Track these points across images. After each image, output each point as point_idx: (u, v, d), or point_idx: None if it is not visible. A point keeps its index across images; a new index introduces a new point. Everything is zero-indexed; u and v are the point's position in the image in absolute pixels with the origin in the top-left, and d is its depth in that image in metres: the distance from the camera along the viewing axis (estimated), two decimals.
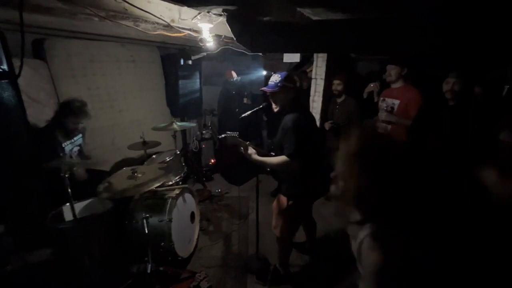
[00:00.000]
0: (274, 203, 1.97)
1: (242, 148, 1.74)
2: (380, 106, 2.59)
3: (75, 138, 2.17)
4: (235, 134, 1.71)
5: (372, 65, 3.73)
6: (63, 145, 2.05)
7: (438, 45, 1.77)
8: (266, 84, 1.79)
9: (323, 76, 3.08)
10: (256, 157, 1.73)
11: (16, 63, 0.90)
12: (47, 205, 1.79)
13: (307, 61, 3.71)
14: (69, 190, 1.49)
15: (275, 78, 1.73)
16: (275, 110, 1.79)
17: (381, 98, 2.60)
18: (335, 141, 2.92)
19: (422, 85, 2.42)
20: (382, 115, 2.55)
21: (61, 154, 1.93)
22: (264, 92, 1.77)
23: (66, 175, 1.47)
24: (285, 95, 1.73)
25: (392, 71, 2.43)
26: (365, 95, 3.01)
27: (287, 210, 1.82)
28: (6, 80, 0.84)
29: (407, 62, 2.42)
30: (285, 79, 1.71)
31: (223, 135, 1.74)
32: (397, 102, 2.45)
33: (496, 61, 2.12)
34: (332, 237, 2.68)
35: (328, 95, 3.12)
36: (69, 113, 2.02)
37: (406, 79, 2.44)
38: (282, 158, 1.67)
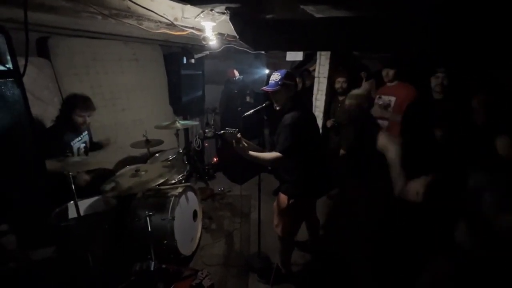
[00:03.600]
0: (275, 202, 1.97)
1: (234, 141, 1.69)
2: (376, 103, 2.62)
3: (82, 135, 2.18)
4: (235, 130, 1.71)
5: (374, 64, 3.71)
6: (71, 144, 2.05)
7: (439, 43, 1.76)
8: (268, 82, 1.79)
9: (326, 75, 3.07)
10: (249, 152, 1.70)
11: (21, 61, 0.90)
12: (51, 203, 1.80)
13: (310, 59, 3.69)
14: (73, 188, 1.51)
15: (275, 76, 1.73)
16: (277, 108, 1.79)
17: (377, 96, 2.63)
18: (336, 140, 2.92)
19: (415, 80, 2.46)
20: (377, 111, 2.59)
21: (68, 153, 1.94)
22: (265, 91, 1.77)
23: (70, 173, 1.48)
24: (285, 93, 1.73)
25: (390, 72, 2.50)
26: None
27: (288, 209, 1.83)
28: (12, 79, 0.84)
29: (407, 61, 2.44)
30: (285, 77, 1.71)
31: (222, 131, 1.75)
32: (393, 98, 2.50)
33: (499, 60, 2.11)
34: (334, 236, 2.68)
35: (331, 94, 3.11)
36: (75, 107, 2.02)
37: (401, 78, 2.50)
38: (274, 154, 1.67)
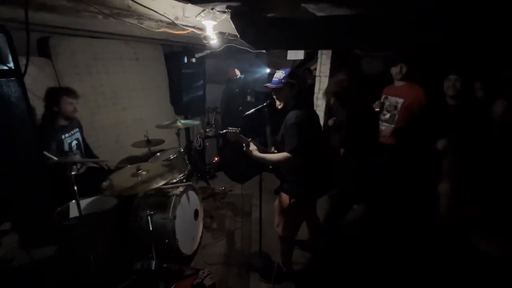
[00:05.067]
0: (276, 201, 1.97)
1: (244, 144, 1.74)
2: (379, 103, 2.57)
3: (73, 131, 2.17)
4: (237, 130, 1.72)
5: (376, 63, 3.69)
6: (63, 137, 2.05)
7: (441, 43, 1.75)
8: (269, 81, 1.78)
9: (328, 74, 3.06)
10: (257, 153, 1.73)
11: (22, 61, 0.90)
12: (53, 202, 1.81)
13: (311, 58, 3.68)
14: (75, 187, 1.51)
15: (279, 74, 1.72)
16: (279, 106, 1.78)
17: (383, 96, 2.57)
18: (337, 139, 2.91)
19: (426, 83, 2.41)
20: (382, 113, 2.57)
21: (66, 150, 1.94)
22: (268, 88, 1.76)
23: (73, 173, 1.48)
24: (288, 92, 1.72)
25: (404, 68, 2.38)
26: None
27: (289, 208, 1.82)
28: (13, 78, 0.84)
29: (410, 60, 2.40)
30: (289, 76, 1.70)
31: (224, 130, 1.75)
32: (400, 100, 2.42)
33: (500, 60, 2.09)
34: (335, 235, 2.68)
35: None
36: (61, 95, 2.00)
37: (409, 78, 2.40)
38: (283, 154, 1.66)
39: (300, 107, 1.72)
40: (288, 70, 1.73)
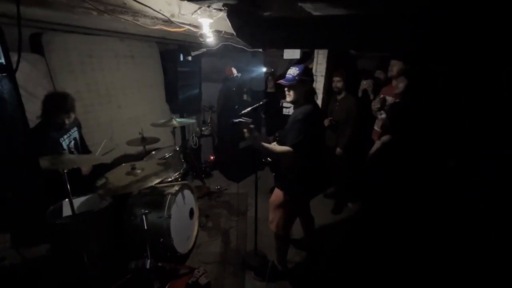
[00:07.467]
0: (271, 197, 1.98)
1: (245, 130, 1.73)
2: (380, 103, 2.59)
3: (71, 132, 2.15)
4: (249, 120, 1.73)
5: (373, 63, 3.72)
6: (60, 140, 2.02)
7: (440, 41, 1.76)
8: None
9: (324, 73, 3.08)
10: (261, 143, 1.73)
11: (13, 57, 0.88)
12: (46, 200, 1.79)
13: (307, 58, 3.69)
14: (68, 185, 1.49)
15: (293, 71, 1.74)
16: (288, 100, 1.80)
17: (381, 95, 2.59)
18: (333, 138, 2.93)
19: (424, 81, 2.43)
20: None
21: (61, 150, 1.92)
22: (282, 84, 1.77)
23: (65, 171, 1.46)
24: (301, 88, 1.74)
25: (394, 67, 2.36)
26: (360, 93, 3.02)
27: (283, 204, 1.84)
28: (4, 74, 0.82)
29: (410, 58, 2.40)
30: (303, 72, 1.72)
31: (237, 120, 1.75)
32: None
33: (500, 57, 2.11)
34: (330, 233, 2.70)
35: (328, 92, 3.12)
36: (53, 108, 1.95)
37: (409, 76, 2.36)
38: (285, 148, 1.68)
39: (309, 103, 1.75)
40: (301, 66, 1.75)
